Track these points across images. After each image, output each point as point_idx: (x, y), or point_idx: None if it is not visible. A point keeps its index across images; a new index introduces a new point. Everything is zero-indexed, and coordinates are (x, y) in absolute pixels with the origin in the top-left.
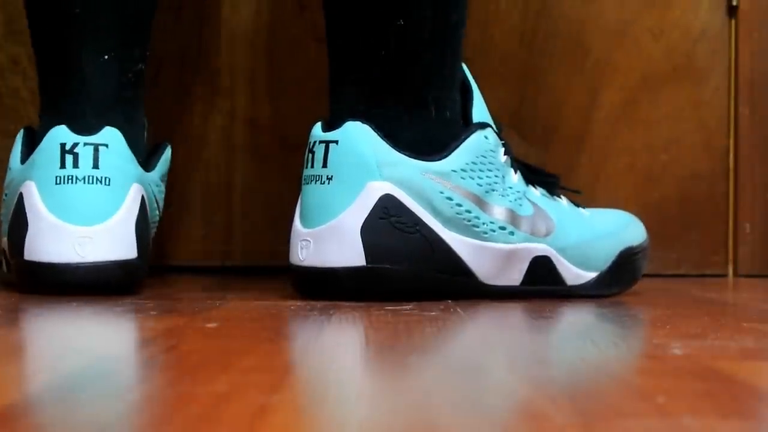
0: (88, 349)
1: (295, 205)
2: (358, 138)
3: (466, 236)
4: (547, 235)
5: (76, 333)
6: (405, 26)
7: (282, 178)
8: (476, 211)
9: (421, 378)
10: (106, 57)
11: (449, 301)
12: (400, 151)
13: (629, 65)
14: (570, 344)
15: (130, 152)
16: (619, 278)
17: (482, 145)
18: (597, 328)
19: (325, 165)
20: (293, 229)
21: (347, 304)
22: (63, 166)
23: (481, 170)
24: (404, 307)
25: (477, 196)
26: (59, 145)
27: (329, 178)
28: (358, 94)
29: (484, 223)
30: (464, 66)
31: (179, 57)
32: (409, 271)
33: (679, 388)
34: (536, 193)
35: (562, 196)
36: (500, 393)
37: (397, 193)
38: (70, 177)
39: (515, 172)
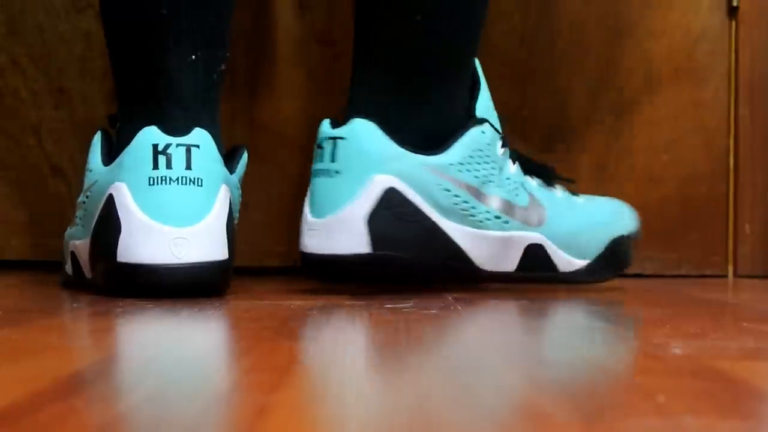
0: (88, 350)
1: (304, 198)
2: (363, 134)
3: (463, 225)
4: (539, 224)
5: (75, 334)
6: (421, 22)
7: (282, 178)
8: (473, 201)
9: (421, 377)
10: (192, 57)
11: (449, 298)
12: (402, 146)
13: (630, 66)
14: (570, 344)
15: (218, 153)
16: (609, 266)
17: (479, 139)
18: (597, 327)
19: (333, 160)
20: (303, 218)
21: (347, 303)
22: (156, 167)
23: (477, 163)
24: (404, 305)
25: (474, 188)
26: (151, 146)
27: (337, 172)
28: (370, 90)
29: (480, 213)
30: (476, 61)
31: None
32: (410, 257)
33: (679, 388)
34: (533, 183)
35: (557, 186)
36: (500, 392)
37: (399, 185)
38: (163, 178)
39: (513, 164)
